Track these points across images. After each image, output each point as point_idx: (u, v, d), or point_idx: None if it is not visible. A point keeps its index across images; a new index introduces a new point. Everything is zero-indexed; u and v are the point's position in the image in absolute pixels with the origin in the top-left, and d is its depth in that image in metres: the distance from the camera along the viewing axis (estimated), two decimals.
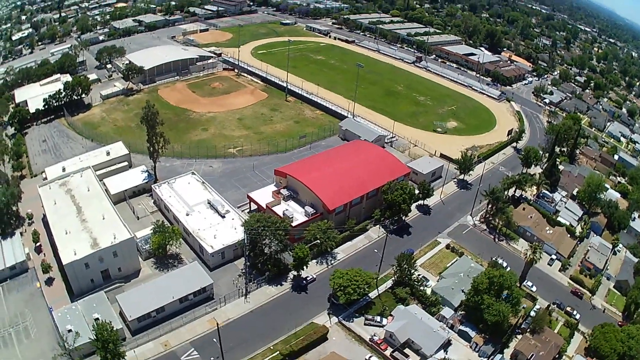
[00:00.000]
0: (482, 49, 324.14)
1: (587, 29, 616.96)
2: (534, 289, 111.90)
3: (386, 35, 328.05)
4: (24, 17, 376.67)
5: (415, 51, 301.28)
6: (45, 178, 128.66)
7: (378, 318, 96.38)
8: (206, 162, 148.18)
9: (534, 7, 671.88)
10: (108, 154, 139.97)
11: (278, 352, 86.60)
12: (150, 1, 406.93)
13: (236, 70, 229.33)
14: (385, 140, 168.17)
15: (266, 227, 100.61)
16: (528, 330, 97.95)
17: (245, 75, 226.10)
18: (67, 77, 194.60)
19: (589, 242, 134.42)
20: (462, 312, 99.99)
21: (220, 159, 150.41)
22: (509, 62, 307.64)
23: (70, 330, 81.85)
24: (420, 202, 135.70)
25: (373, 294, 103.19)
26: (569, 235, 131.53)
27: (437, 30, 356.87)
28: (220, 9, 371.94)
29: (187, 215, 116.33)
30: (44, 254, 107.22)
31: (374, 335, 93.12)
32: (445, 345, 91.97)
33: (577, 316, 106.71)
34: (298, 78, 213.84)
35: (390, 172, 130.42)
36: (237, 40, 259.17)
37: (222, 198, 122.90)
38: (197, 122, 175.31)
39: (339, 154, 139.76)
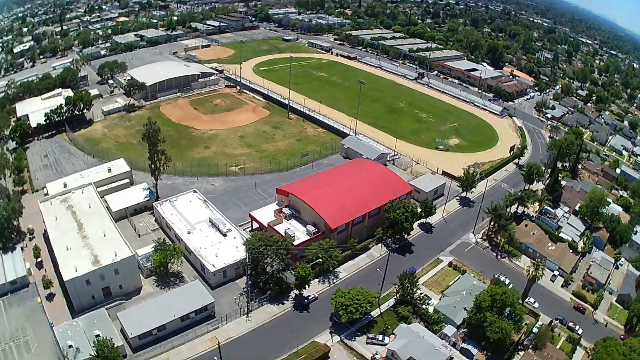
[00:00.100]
0: (484, 64, 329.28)
1: (588, 41, 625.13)
2: (536, 305, 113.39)
3: (388, 51, 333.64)
4: (25, 30, 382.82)
5: (417, 67, 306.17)
6: (47, 193, 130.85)
7: (380, 337, 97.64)
8: (208, 180, 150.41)
9: (535, 20, 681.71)
10: (109, 170, 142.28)
11: None
12: (152, 16, 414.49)
13: (238, 87, 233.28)
14: (388, 158, 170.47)
15: (268, 246, 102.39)
16: (530, 346, 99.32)
17: (247, 92, 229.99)
18: (69, 92, 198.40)
19: (591, 257, 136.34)
20: (465, 329, 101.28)
21: (222, 177, 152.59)
22: (510, 77, 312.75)
23: (71, 346, 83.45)
24: (423, 220, 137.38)
25: (375, 313, 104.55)
26: (571, 251, 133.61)
27: (439, 46, 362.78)
28: (222, 24, 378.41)
29: (189, 233, 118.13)
30: (45, 269, 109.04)
31: (376, 353, 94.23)
32: None
33: (580, 331, 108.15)
34: (300, 95, 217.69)
35: (392, 191, 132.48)
36: (239, 57, 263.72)
37: (224, 216, 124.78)
38: (198, 139, 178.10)
39: (341, 172, 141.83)
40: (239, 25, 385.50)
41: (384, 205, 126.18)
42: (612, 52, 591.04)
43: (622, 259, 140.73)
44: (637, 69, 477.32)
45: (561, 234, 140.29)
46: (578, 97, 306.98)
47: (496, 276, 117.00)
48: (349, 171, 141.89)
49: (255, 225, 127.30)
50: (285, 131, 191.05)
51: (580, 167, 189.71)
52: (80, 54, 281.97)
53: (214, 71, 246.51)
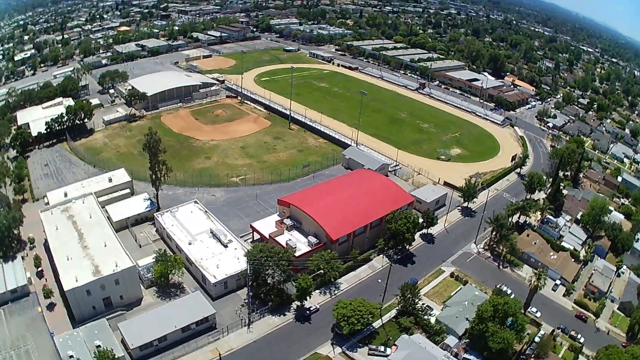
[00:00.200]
0: (486, 74, 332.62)
1: (589, 49, 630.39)
2: (538, 314, 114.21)
3: (389, 61, 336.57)
4: (26, 38, 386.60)
5: (419, 78, 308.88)
6: (47, 203, 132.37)
7: (382, 348, 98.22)
8: (209, 190, 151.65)
9: (536, 29, 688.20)
10: (110, 180, 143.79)
11: None
12: (153, 26, 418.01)
13: (239, 98, 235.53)
14: (389, 169, 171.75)
15: (269, 257, 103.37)
16: (532, 356, 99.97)
17: (249, 102, 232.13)
18: (70, 101, 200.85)
19: (593, 265, 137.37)
20: (467, 340, 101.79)
21: (223, 187, 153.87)
22: (512, 86, 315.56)
23: (71, 356, 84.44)
24: (424, 230, 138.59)
25: (377, 324, 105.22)
26: (573, 260, 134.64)
27: (440, 56, 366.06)
28: (223, 34, 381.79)
29: (190, 244, 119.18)
30: (46, 279, 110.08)
31: None
32: None
33: (582, 340, 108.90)
34: (301, 106, 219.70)
35: (393, 201, 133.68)
36: (240, 67, 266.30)
37: (225, 227, 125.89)
38: (200, 150, 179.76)
39: (343, 183, 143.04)
40: (240, 35, 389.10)
41: (386, 216, 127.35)
42: (613, 60, 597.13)
43: (624, 267, 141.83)
44: (638, 77, 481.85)
45: (563, 243, 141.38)
46: (579, 106, 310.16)
47: (498, 286, 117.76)
48: (351, 182, 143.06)
49: (257, 236, 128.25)
50: (286, 142, 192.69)
51: (581, 175, 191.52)
52: (81, 63, 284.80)
53: (215, 81, 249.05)
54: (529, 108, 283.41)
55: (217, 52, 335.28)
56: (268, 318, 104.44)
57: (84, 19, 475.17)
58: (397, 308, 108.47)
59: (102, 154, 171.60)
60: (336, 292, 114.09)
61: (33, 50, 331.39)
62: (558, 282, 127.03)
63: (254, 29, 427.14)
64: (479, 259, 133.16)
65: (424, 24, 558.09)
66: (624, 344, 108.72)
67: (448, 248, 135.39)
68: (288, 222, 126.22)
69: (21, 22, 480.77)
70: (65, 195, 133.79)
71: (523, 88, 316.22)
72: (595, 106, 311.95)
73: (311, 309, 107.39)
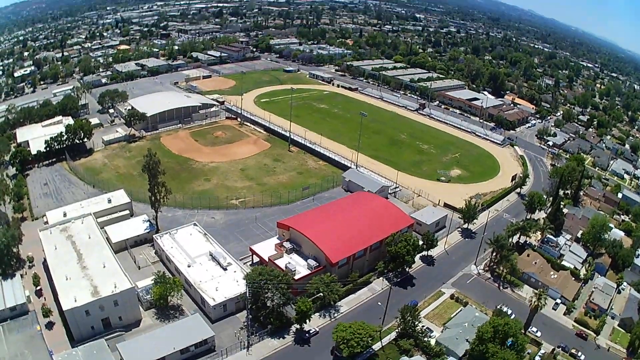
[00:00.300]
0: (485, 93, 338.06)
1: (589, 64, 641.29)
2: (538, 334, 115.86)
3: (389, 82, 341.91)
4: (26, 54, 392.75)
5: (419, 98, 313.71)
6: (47, 222, 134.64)
7: None
8: (208, 213, 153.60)
9: (536, 46, 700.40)
10: (109, 201, 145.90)
11: None
12: (153, 45, 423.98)
13: (239, 119, 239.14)
14: (389, 191, 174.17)
15: (269, 280, 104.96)
16: None
17: (248, 124, 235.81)
18: (69, 120, 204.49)
19: (594, 283, 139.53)
20: None
21: (223, 210, 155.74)
22: (512, 105, 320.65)
23: None
24: (424, 253, 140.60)
25: (377, 346, 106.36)
26: (573, 278, 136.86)
27: (440, 75, 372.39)
28: (223, 54, 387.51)
29: (189, 266, 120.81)
30: (44, 298, 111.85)
31: None
32: None
33: (582, 357, 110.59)
34: (301, 127, 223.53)
35: (393, 224, 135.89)
36: (239, 88, 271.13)
37: (224, 250, 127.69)
38: (199, 172, 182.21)
39: (342, 206, 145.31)
40: (240, 55, 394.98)
41: (386, 239, 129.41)
42: (613, 74, 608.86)
43: (625, 283, 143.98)
44: (638, 91, 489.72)
45: (563, 262, 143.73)
46: (579, 123, 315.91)
47: (498, 307, 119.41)
48: (350, 205, 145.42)
49: (256, 259, 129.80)
50: (286, 164, 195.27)
51: (582, 193, 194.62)
52: (81, 81, 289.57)
53: (215, 102, 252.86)
54: (529, 127, 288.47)
55: (217, 72, 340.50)
56: (267, 341, 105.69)
57: (83, 37, 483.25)
58: (397, 330, 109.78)
59: (101, 174, 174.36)
60: (336, 314, 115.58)
61: (33, 67, 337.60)
62: (558, 301, 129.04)
63: (254, 49, 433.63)
64: (479, 280, 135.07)
65: (423, 42, 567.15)
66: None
67: (448, 270, 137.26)
68: (287, 245, 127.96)
69: (21, 38, 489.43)
70: (65, 215, 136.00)
71: (523, 106, 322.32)
72: (595, 123, 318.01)
73: (311, 331, 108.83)
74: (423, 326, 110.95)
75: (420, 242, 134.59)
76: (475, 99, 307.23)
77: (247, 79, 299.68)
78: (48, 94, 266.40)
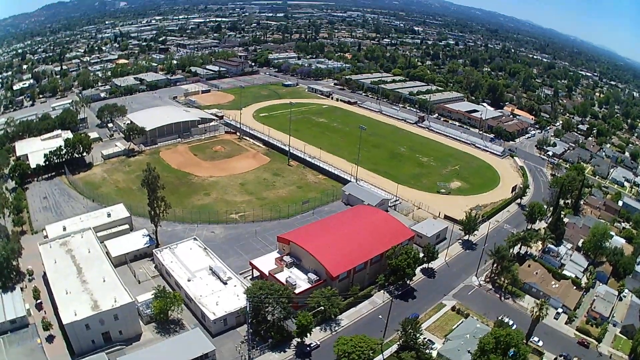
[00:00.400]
0: (485, 104, 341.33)
1: (588, 73, 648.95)
2: (540, 343, 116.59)
3: (388, 95, 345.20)
4: (25, 67, 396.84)
5: (418, 111, 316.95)
6: (46, 236, 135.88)
7: None
8: (208, 227, 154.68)
9: (535, 57, 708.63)
10: (109, 215, 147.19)
11: None
12: (151, 59, 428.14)
13: (238, 134, 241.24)
14: (389, 204, 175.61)
15: (269, 294, 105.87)
16: None
17: (247, 138, 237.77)
18: (68, 134, 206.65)
19: (595, 291, 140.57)
20: None
21: (223, 224, 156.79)
22: (511, 116, 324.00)
23: None
24: (425, 265, 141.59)
25: (378, 359, 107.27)
26: (574, 287, 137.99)
27: (439, 88, 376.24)
28: (221, 69, 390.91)
29: (189, 281, 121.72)
30: (45, 311, 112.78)
31: None
32: None
33: None
34: (300, 141, 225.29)
35: (394, 237, 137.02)
36: (238, 102, 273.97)
37: (224, 264, 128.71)
38: (199, 186, 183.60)
39: (342, 219, 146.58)
40: (238, 70, 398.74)
41: (386, 252, 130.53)
42: (612, 82, 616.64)
43: (626, 291, 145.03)
44: (637, 98, 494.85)
45: (564, 271, 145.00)
46: (579, 132, 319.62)
47: (500, 318, 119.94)
48: (350, 218, 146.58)
49: (256, 273, 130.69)
50: (285, 178, 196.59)
51: (582, 202, 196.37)
52: (80, 95, 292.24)
53: (214, 117, 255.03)
54: (528, 137, 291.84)
55: (216, 86, 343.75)
56: (268, 354, 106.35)
57: (82, 50, 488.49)
58: (398, 343, 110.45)
59: (100, 188, 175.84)
60: (337, 328, 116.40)
61: (32, 81, 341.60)
62: (560, 310, 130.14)
63: (253, 64, 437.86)
64: (480, 291, 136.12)
65: (422, 55, 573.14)
66: None
67: (449, 282, 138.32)
68: (288, 259, 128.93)
69: (20, 51, 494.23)
70: (64, 229, 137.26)
71: (522, 117, 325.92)
72: (594, 131, 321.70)
73: (311, 345, 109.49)
74: (424, 338, 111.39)
75: (421, 255, 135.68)
76: (475, 110, 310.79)
77: (246, 94, 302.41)
78: (47, 107, 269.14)
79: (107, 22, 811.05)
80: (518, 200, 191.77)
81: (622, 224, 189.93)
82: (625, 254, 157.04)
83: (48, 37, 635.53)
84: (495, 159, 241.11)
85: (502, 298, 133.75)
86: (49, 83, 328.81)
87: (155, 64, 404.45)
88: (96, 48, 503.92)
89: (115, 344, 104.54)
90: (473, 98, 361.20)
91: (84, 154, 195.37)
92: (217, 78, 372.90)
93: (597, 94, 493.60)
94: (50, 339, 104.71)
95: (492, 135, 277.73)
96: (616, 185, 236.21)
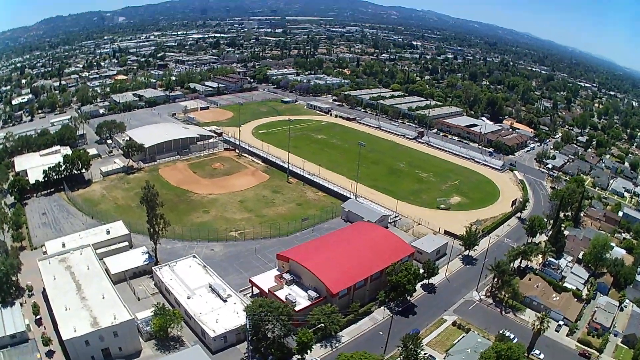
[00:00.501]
0: (484, 118, 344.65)
1: (587, 84, 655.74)
2: (541, 356, 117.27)
3: (387, 111, 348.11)
4: (24, 81, 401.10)
5: (417, 126, 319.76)
6: (45, 252, 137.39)
7: None
8: (207, 245, 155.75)
9: (534, 69, 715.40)
10: (108, 232, 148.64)
11: None
12: (150, 75, 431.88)
13: (237, 151, 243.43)
14: (389, 220, 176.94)
15: (269, 312, 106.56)
16: None
17: (247, 155, 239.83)
18: (67, 150, 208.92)
19: (596, 302, 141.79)
20: None
21: (222, 242, 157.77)
22: (510, 130, 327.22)
23: None
24: (425, 281, 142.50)
25: None
26: (575, 300, 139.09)
27: (438, 103, 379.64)
28: (220, 85, 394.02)
29: (189, 298, 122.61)
30: (44, 327, 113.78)
31: None
32: None
33: None
34: (300, 158, 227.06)
35: (394, 253, 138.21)
36: (237, 119, 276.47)
37: (224, 282, 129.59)
38: (198, 203, 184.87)
39: (342, 236, 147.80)
40: (237, 86, 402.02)
41: (386, 268, 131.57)
42: (611, 92, 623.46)
43: (627, 301, 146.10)
44: (636, 107, 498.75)
45: (565, 284, 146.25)
46: (578, 144, 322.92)
47: (501, 332, 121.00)
48: (350, 235, 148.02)
49: (256, 290, 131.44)
50: (285, 195, 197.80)
51: (582, 214, 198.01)
52: (79, 111, 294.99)
53: (213, 134, 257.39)
54: (527, 151, 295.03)
55: (215, 103, 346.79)
56: None
57: (81, 66, 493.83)
58: (399, 359, 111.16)
59: (99, 205, 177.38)
60: (337, 345, 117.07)
61: (30, 95, 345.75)
62: (561, 322, 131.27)
63: (251, 80, 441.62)
64: (481, 306, 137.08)
65: (421, 70, 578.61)
66: None
67: (449, 297, 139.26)
68: (287, 276, 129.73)
69: (18, 65, 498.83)
70: (63, 245, 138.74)
71: (522, 130, 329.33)
72: (594, 143, 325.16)
73: None
74: (425, 354, 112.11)
75: (421, 271, 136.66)
76: (474, 125, 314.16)
77: (245, 110, 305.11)
78: (46, 123, 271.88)
79: (105, 37, 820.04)
80: (518, 214, 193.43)
81: (623, 234, 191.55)
82: (626, 264, 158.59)
83: (47, 52, 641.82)
84: (494, 173, 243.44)
85: (503, 312, 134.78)
86: (48, 98, 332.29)
87: (154, 80, 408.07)
88: (95, 63, 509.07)
89: None
90: (472, 112, 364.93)
91: (83, 170, 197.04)
92: (215, 94, 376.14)
93: (596, 104, 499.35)
94: (50, 354, 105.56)
95: (491, 150, 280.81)
96: (616, 196, 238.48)
